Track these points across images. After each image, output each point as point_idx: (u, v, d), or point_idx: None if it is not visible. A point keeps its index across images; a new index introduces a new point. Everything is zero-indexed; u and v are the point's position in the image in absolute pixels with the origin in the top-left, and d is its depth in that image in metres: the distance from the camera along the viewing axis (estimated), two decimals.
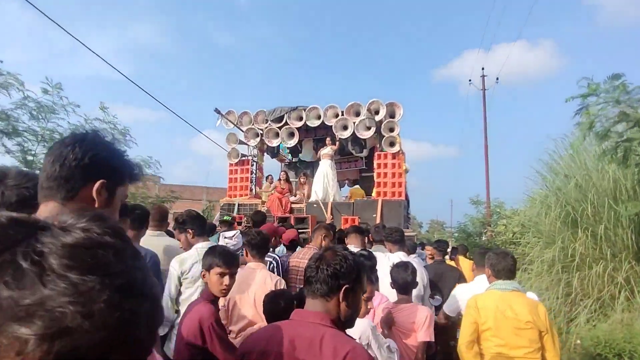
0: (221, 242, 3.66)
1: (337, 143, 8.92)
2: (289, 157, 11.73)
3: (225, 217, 5.61)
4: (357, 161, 11.52)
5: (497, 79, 15.89)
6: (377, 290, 2.65)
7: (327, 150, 8.86)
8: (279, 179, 9.00)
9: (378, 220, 7.89)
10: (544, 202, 5.45)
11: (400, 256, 3.60)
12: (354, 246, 3.58)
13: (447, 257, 6.76)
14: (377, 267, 2.80)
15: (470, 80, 15.53)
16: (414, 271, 2.79)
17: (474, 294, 2.60)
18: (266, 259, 3.23)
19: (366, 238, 4.37)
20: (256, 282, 2.78)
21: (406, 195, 12.49)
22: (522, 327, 2.29)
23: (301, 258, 3.59)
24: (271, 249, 3.62)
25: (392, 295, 2.82)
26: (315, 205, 8.46)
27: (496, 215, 12.07)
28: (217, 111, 8.51)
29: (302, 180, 10.18)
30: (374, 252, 3.07)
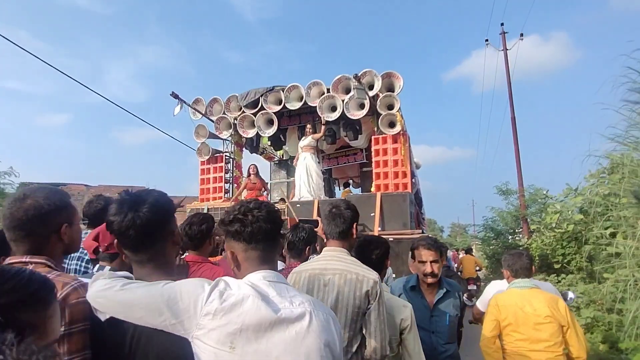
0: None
1: (322, 129, 7.23)
2: (276, 153, 10.11)
3: None
4: (357, 154, 9.78)
5: (521, 35, 12.65)
6: None
7: (308, 141, 7.18)
8: (248, 174, 7.35)
9: (377, 219, 6.15)
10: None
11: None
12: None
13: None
14: None
15: (487, 41, 12.98)
16: None
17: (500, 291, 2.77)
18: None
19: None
20: None
21: (418, 194, 10.71)
22: (542, 322, 2.35)
23: None
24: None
25: None
26: (298, 206, 6.77)
27: (535, 205, 9.87)
28: (175, 95, 6.98)
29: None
30: None
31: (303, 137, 7.29)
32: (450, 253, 23.18)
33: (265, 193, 7.20)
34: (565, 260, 5.38)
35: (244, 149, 8.63)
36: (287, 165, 9.47)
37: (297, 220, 6.32)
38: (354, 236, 1.93)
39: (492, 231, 11.14)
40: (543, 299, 2.42)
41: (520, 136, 11.42)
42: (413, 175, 10.18)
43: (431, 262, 2.41)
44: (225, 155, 8.23)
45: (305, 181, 7.04)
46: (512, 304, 2.45)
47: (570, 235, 5.21)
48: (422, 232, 11.22)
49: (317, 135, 7.23)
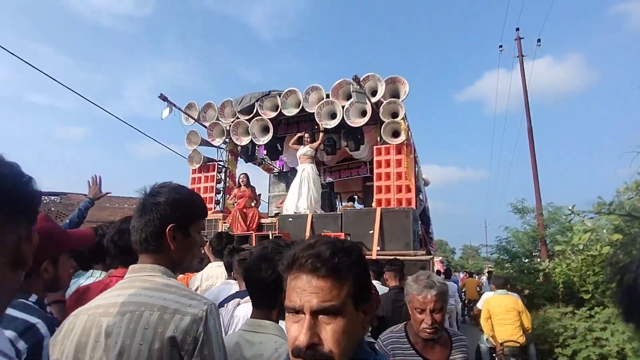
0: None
1: (321, 137, 6.69)
2: (274, 164, 9.59)
3: None
4: (360, 167, 9.20)
5: (539, 41, 11.46)
6: None
7: (305, 150, 6.63)
8: (239, 184, 6.79)
9: (376, 237, 5.51)
10: None
11: None
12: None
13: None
14: None
15: (501, 47, 12.18)
16: None
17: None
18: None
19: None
20: None
21: (425, 212, 10.02)
22: (509, 310, 4.72)
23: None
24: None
25: None
26: (290, 220, 6.17)
27: (555, 225, 9.02)
28: (163, 98, 6.53)
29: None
30: None
31: (302, 146, 6.75)
32: (460, 275, 22.27)
33: (254, 204, 6.63)
34: (599, 290, 4.60)
35: (239, 158, 8.10)
36: (286, 177, 8.91)
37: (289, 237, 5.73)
38: (174, 247, 1.16)
39: (506, 253, 10.22)
40: (510, 299, 4.83)
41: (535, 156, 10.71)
42: (419, 191, 9.52)
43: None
44: (219, 165, 7.72)
45: (305, 193, 6.46)
46: (494, 303, 4.86)
47: (604, 259, 4.43)
48: (430, 254, 10.49)
49: (315, 144, 6.69)
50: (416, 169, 6.93)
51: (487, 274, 13.05)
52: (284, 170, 9.71)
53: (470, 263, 36.78)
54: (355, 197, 10.14)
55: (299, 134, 6.81)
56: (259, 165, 9.48)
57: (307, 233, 5.87)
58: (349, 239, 5.69)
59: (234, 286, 2.50)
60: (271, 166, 9.75)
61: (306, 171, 6.58)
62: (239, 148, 7.92)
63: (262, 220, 6.40)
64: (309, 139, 6.67)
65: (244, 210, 6.40)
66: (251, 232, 5.92)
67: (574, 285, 5.15)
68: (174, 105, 6.75)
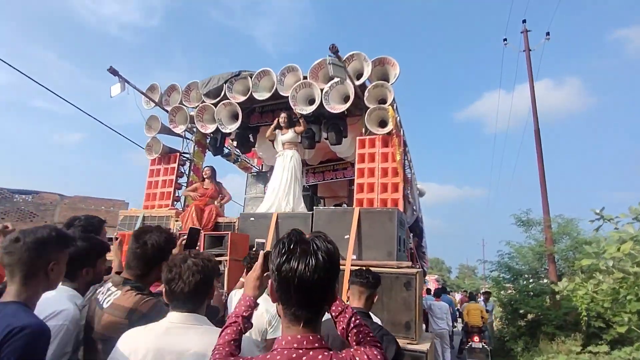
0: None
1: (303, 122, 5.73)
2: (251, 161, 8.62)
3: None
4: (347, 169, 8.22)
5: (548, 34, 10.36)
6: None
7: (291, 136, 5.66)
8: (202, 178, 5.81)
9: (352, 244, 4.50)
10: None
11: None
12: None
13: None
14: None
15: (505, 40, 11.06)
16: None
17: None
18: None
19: None
20: None
21: (418, 223, 9.01)
22: (475, 309, 9.04)
23: None
24: None
25: None
26: (252, 219, 5.16)
27: (565, 241, 7.91)
28: (113, 71, 5.59)
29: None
30: None
31: (282, 131, 5.74)
32: (457, 296, 20.95)
33: (217, 202, 5.65)
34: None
35: (207, 150, 7.13)
36: (265, 177, 7.94)
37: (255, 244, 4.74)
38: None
39: (508, 271, 9.09)
40: (477, 305, 9.43)
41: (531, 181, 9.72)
42: (409, 197, 8.53)
43: None
44: (182, 156, 6.74)
45: (293, 187, 5.47)
46: (468, 307, 9.27)
47: None
48: (422, 270, 9.37)
49: (300, 129, 5.70)
50: (407, 166, 5.97)
51: (484, 295, 11.79)
52: (263, 170, 8.76)
53: (466, 283, 35.45)
54: (344, 204, 9.15)
55: (275, 121, 5.80)
56: (234, 163, 8.51)
57: (270, 235, 4.86)
58: None
59: None
60: (248, 164, 8.77)
61: (294, 159, 5.59)
62: (208, 139, 6.97)
63: (220, 220, 5.38)
64: (286, 120, 5.68)
65: (203, 207, 5.40)
66: (206, 231, 4.90)
67: (605, 313, 4.10)
68: (127, 82, 5.81)
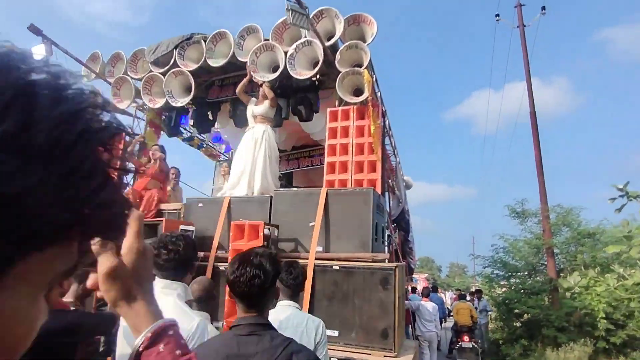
0: None
1: (271, 93, 4.84)
2: (218, 148, 7.75)
3: None
4: (324, 155, 7.37)
5: (543, 8, 9.70)
6: None
7: (265, 109, 4.78)
8: (149, 159, 4.92)
9: (316, 233, 3.67)
10: None
11: None
12: None
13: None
14: None
15: (497, 16, 10.17)
16: None
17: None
18: None
19: None
20: None
21: (404, 216, 8.22)
22: (464, 309, 8.37)
23: None
24: None
25: None
26: (201, 205, 4.29)
27: (565, 232, 7.14)
28: (35, 30, 4.65)
29: (223, 169, 6.28)
30: None
31: (255, 102, 4.84)
32: (448, 295, 20.25)
33: (170, 188, 4.78)
34: None
35: (161, 131, 6.22)
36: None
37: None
38: None
39: (503, 267, 8.38)
40: (466, 304, 8.66)
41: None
42: (395, 188, 7.73)
43: None
44: (139, 139, 5.81)
45: (269, 166, 4.58)
46: (458, 306, 8.72)
47: None
48: (409, 266, 8.50)
49: (273, 101, 4.83)
50: (388, 143, 5.16)
51: (475, 294, 11.05)
52: (232, 157, 7.89)
53: (457, 281, 34.94)
54: None
55: (249, 75, 4.82)
56: (199, 149, 7.61)
57: (221, 223, 3.98)
58: (276, 232, 3.83)
59: None
60: (215, 151, 7.88)
61: (267, 133, 4.70)
62: (163, 117, 6.05)
63: (164, 206, 4.49)
64: (264, 89, 4.78)
65: (143, 191, 4.51)
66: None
67: (614, 313, 3.32)
68: (55, 45, 4.88)
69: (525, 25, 8.92)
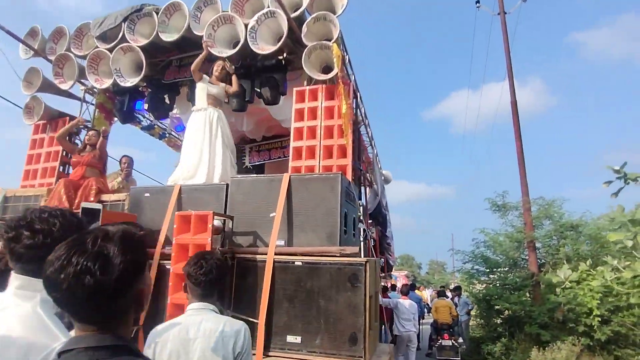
0: None
1: (234, 79, 4.37)
2: (177, 136, 7.18)
3: None
4: None
5: None
6: None
7: (218, 90, 4.26)
8: (83, 142, 4.36)
9: (277, 222, 3.20)
10: None
11: None
12: None
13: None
14: None
15: (477, 3, 9.88)
16: None
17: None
18: None
19: None
20: None
21: (381, 209, 7.84)
22: (444, 306, 8.66)
23: None
24: None
25: None
26: (147, 195, 3.75)
27: (547, 225, 6.95)
28: None
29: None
30: None
31: (208, 80, 4.31)
32: (428, 292, 20.13)
33: (121, 178, 4.22)
34: None
35: (114, 117, 5.61)
36: None
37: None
38: None
39: (484, 262, 8.17)
40: (446, 302, 8.98)
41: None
42: (372, 181, 7.34)
43: None
44: (83, 124, 5.20)
45: (224, 152, 4.08)
46: (437, 304, 8.89)
47: None
48: (388, 263, 8.14)
49: (232, 89, 4.35)
50: (361, 124, 4.74)
51: (454, 292, 10.85)
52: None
53: (436, 278, 35.11)
54: None
55: (205, 50, 4.22)
56: (160, 139, 7.02)
57: (169, 215, 3.46)
58: (230, 224, 3.35)
59: None
60: (179, 142, 7.29)
61: (221, 120, 4.20)
62: (116, 102, 5.45)
63: (105, 197, 3.94)
64: (220, 70, 4.29)
65: (80, 181, 3.94)
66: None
67: (599, 309, 3.00)
68: None
69: (506, 13, 8.70)
